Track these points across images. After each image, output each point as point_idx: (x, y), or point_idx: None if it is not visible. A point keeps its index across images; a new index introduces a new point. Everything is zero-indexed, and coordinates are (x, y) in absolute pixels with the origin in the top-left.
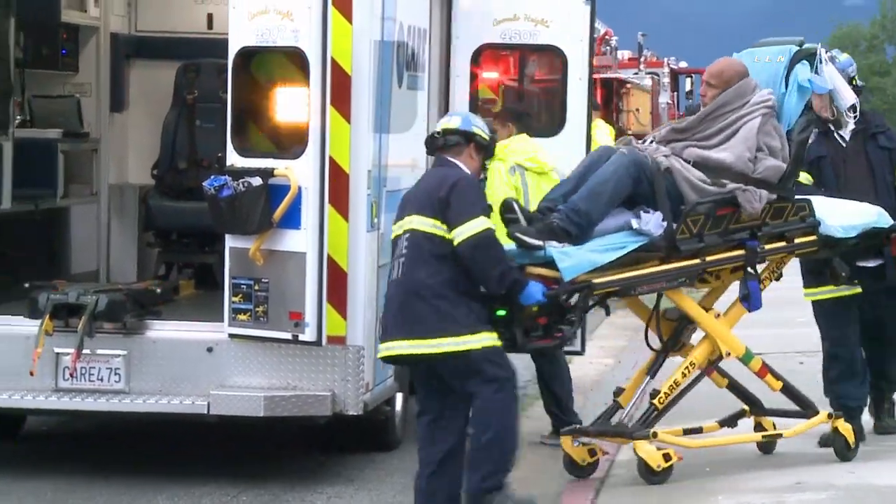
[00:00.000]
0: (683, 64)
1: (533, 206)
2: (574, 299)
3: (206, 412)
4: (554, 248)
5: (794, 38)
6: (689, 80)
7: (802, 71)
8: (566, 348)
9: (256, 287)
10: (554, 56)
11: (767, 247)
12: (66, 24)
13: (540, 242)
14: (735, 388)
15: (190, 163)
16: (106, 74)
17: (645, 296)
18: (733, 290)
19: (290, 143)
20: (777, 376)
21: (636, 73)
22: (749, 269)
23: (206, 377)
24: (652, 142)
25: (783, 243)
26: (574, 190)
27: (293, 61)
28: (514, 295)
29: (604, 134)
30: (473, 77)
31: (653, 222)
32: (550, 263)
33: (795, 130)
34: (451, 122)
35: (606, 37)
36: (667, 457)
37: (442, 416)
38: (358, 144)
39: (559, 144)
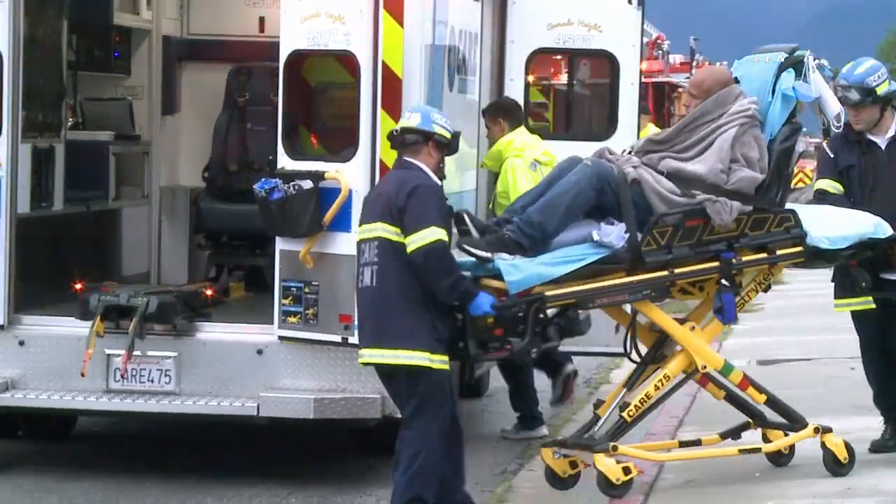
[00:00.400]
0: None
1: None
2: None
3: (255, 414)
4: (502, 262)
5: (786, 46)
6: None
7: (787, 79)
8: (610, 349)
9: (306, 290)
10: (605, 61)
11: (746, 258)
12: (118, 26)
13: (489, 255)
14: (734, 399)
15: (241, 165)
16: (158, 77)
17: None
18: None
19: (340, 146)
20: (760, 389)
21: (688, 78)
22: (724, 282)
23: (255, 379)
24: (630, 152)
25: (764, 255)
26: (535, 200)
27: (344, 64)
28: (463, 304)
29: None
30: (526, 81)
31: (614, 234)
32: (500, 276)
33: (778, 139)
34: (411, 119)
35: (659, 41)
36: (626, 470)
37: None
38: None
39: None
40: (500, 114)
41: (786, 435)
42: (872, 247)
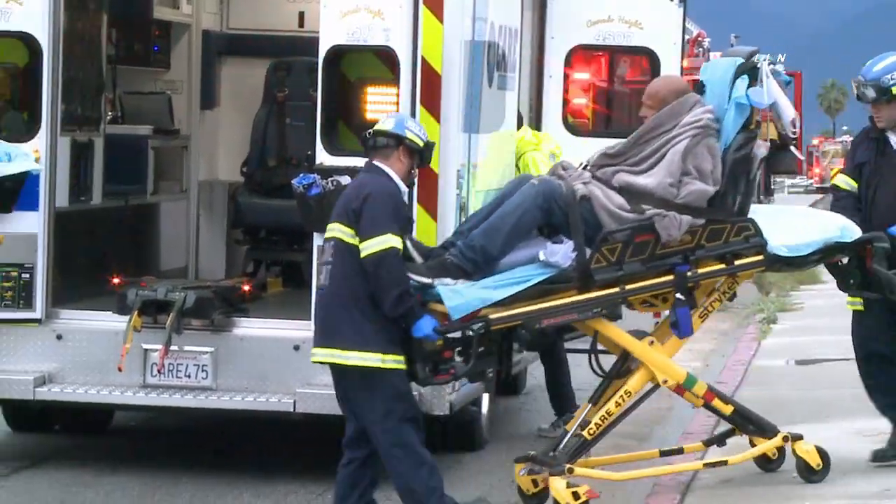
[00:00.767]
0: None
1: None
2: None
3: (292, 410)
4: (442, 287)
5: (745, 49)
6: None
7: (740, 86)
8: None
9: None
10: (646, 58)
11: (703, 270)
12: (158, 20)
13: (429, 280)
14: (711, 408)
15: (279, 161)
16: (197, 72)
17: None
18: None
19: None
20: (726, 400)
21: None
22: (678, 296)
23: (292, 375)
24: (586, 167)
25: (722, 265)
26: (482, 222)
27: (384, 60)
28: (407, 323)
29: None
30: (565, 77)
31: (561, 253)
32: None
33: (732, 148)
34: (385, 123)
35: (699, 38)
36: (575, 495)
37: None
38: (447, 144)
39: None
40: None
41: (752, 445)
42: (843, 249)
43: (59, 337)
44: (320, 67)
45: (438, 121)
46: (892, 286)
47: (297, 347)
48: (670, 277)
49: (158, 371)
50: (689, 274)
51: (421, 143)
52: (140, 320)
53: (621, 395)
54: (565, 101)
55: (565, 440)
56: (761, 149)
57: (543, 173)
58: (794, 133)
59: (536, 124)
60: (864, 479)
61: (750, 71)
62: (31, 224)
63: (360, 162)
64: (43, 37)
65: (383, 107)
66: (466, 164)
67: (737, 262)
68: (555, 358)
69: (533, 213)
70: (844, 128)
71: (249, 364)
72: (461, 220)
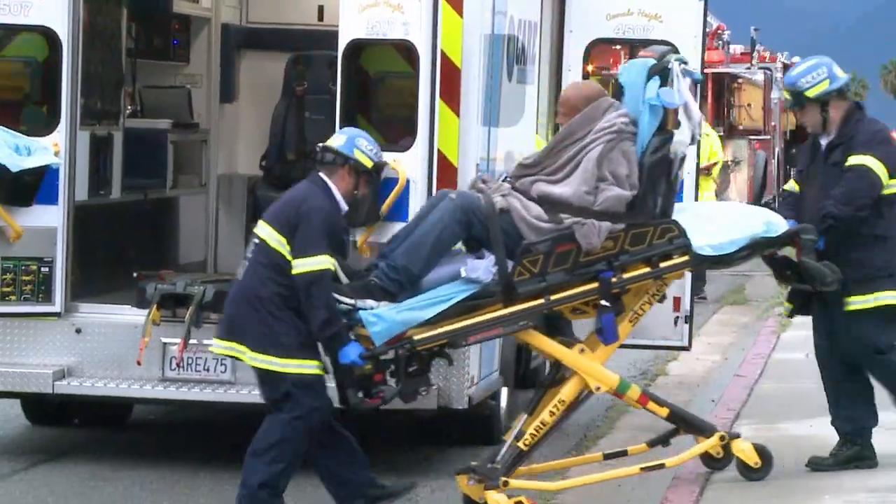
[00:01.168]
0: (797, 59)
1: None
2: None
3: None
4: (364, 312)
5: (660, 49)
6: None
7: (651, 87)
8: (671, 342)
9: None
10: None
11: (628, 275)
12: (177, 14)
13: (352, 302)
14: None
15: (298, 154)
16: (216, 65)
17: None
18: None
19: (398, 135)
20: (661, 402)
21: (748, 68)
22: (603, 302)
23: None
24: (506, 178)
25: (648, 269)
26: (405, 241)
27: (403, 54)
28: (333, 348)
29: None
30: (584, 71)
31: (482, 269)
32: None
33: (648, 151)
34: (336, 139)
35: (719, 31)
36: None
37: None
38: (466, 137)
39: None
40: None
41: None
42: (770, 244)
43: (78, 331)
44: (339, 61)
45: (458, 114)
46: (822, 278)
47: None
48: (596, 285)
49: (177, 365)
50: (613, 280)
51: (370, 165)
52: (159, 314)
53: (555, 405)
54: None
55: (502, 452)
56: (681, 148)
57: None
58: (699, 134)
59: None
60: (883, 473)
61: (662, 71)
62: (51, 218)
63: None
64: (62, 31)
65: (402, 101)
66: (486, 157)
67: (662, 265)
68: None
69: (453, 229)
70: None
71: None
72: None
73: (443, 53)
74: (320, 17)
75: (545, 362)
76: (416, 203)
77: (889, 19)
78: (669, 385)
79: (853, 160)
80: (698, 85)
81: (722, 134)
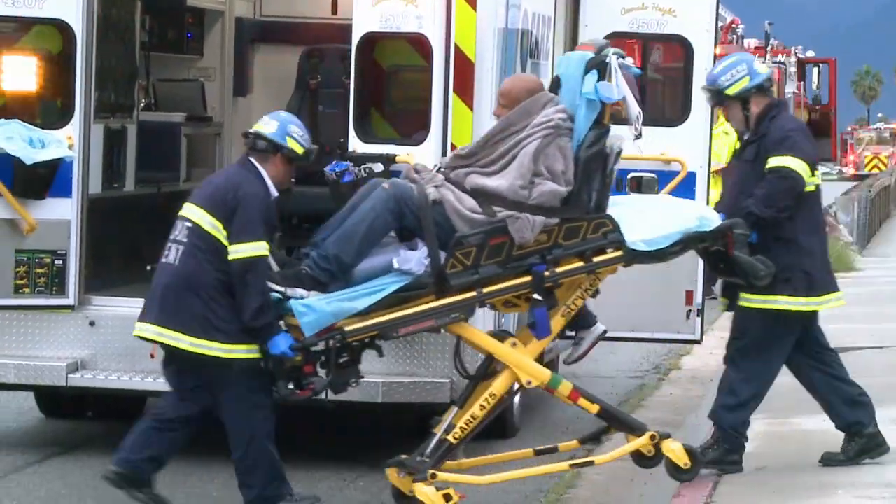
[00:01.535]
0: (811, 53)
1: None
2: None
3: (324, 397)
4: (295, 302)
5: (599, 42)
6: (816, 69)
7: (588, 81)
8: (683, 335)
9: None
10: (679, 46)
11: (561, 269)
12: (191, 7)
13: (282, 290)
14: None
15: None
16: (230, 59)
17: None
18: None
19: (411, 129)
20: (592, 399)
21: (762, 62)
22: (536, 296)
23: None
24: (439, 169)
25: (581, 263)
26: (336, 230)
27: (417, 47)
28: (263, 337)
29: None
30: None
31: (414, 260)
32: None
33: (584, 145)
34: (268, 126)
35: (733, 25)
36: (447, 497)
37: (185, 396)
38: (480, 131)
39: (683, 134)
40: None
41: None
42: (703, 239)
43: (91, 323)
44: (353, 55)
45: (471, 108)
46: (755, 272)
47: None
48: (529, 278)
49: None
50: (546, 274)
51: (301, 152)
52: None
53: (486, 398)
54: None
55: (431, 445)
56: (617, 142)
57: None
58: (637, 130)
59: None
60: None
61: (599, 65)
62: (65, 211)
63: (393, 149)
64: (77, 24)
65: (416, 94)
66: None
67: (595, 259)
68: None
69: (385, 218)
70: (879, 115)
71: None
72: None
73: (456, 47)
74: (334, 11)
75: (558, 356)
76: None
77: None
78: (682, 379)
79: (774, 162)
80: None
81: None
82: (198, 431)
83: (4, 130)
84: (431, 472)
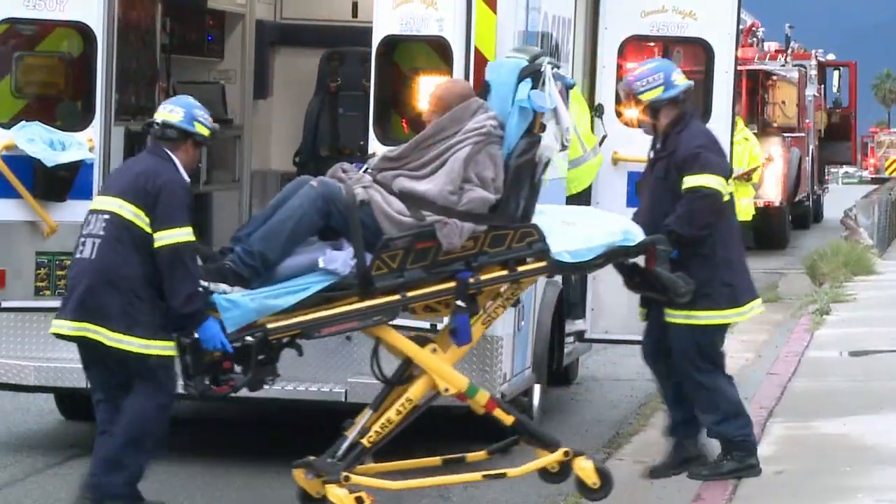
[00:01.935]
0: (831, 56)
1: None
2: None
3: (343, 400)
4: (219, 297)
5: (533, 50)
6: (836, 72)
7: (522, 89)
8: None
9: None
10: (700, 48)
11: (485, 277)
12: (212, 10)
13: (205, 285)
14: (494, 418)
15: (332, 150)
16: (250, 61)
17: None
18: None
19: None
20: (508, 411)
21: (783, 65)
22: (459, 303)
23: (344, 365)
24: (366, 170)
25: (505, 272)
26: (261, 227)
27: (437, 50)
28: (193, 324)
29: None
30: (619, 68)
31: (340, 260)
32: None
33: (515, 153)
34: (173, 115)
35: (753, 28)
36: (359, 500)
37: (112, 398)
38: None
39: None
40: None
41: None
42: (627, 253)
43: None
44: (373, 57)
45: None
46: (676, 289)
47: (348, 337)
48: (453, 284)
49: None
50: (471, 281)
51: (208, 134)
52: None
53: (403, 403)
54: (618, 93)
55: (343, 447)
56: (547, 152)
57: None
58: (566, 140)
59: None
60: None
61: (533, 74)
62: (85, 213)
63: None
64: (97, 26)
65: None
66: None
67: (520, 269)
68: None
69: (312, 217)
70: None
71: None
72: None
73: (476, 50)
74: (354, 14)
75: (578, 359)
76: None
77: None
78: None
79: (691, 181)
80: (569, 90)
81: (756, 131)
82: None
83: (25, 133)
84: (345, 474)
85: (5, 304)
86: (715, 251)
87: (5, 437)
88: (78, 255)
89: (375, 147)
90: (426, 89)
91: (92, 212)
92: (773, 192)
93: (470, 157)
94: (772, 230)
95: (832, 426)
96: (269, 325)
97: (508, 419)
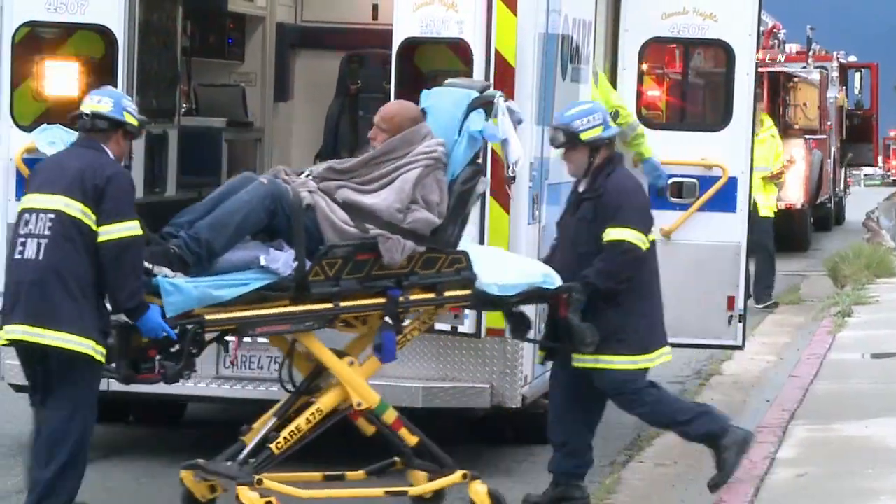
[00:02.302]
0: (853, 58)
1: None
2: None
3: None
4: (163, 279)
5: (478, 83)
6: (857, 74)
7: (476, 120)
8: (725, 341)
9: None
10: (721, 51)
11: (413, 297)
12: (232, 13)
13: (149, 267)
14: (384, 436)
15: (352, 153)
16: (271, 64)
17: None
18: None
19: None
20: (413, 431)
21: (804, 67)
22: (387, 319)
23: None
24: (308, 175)
25: (432, 295)
26: (203, 216)
27: (457, 53)
28: (134, 317)
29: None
30: (639, 70)
31: (282, 260)
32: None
33: (459, 180)
34: (102, 105)
35: (774, 30)
36: None
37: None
38: (521, 136)
39: (724, 139)
40: None
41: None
42: (543, 296)
43: None
44: (393, 60)
45: None
46: (582, 338)
47: None
48: (381, 300)
49: (231, 363)
50: (401, 299)
51: (137, 123)
52: None
53: (313, 413)
54: (639, 94)
55: (245, 452)
56: (481, 185)
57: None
58: (513, 173)
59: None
60: None
61: (486, 105)
62: None
63: None
64: (118, 29)
65: None
66: (539, 156)
67: (446, 294)
68: None
69: (259, 214)
70: None
71: None
72: (534, 213)
73: (497, 52)
74: (374, 16)
75: None
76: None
77: None
78: (724, 385)
79: (614, 234)
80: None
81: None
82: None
83: (47, 136)
84: (257, 477)
85: None
86: (633, 302)
87: (29, 439)
88: (18, 257)
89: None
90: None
91: (29, 211)
92: (794, 194)
93: (419, 179)
94: (794, 232)
95: (854, 428)
96: (207, 317)
97: (412, 440)
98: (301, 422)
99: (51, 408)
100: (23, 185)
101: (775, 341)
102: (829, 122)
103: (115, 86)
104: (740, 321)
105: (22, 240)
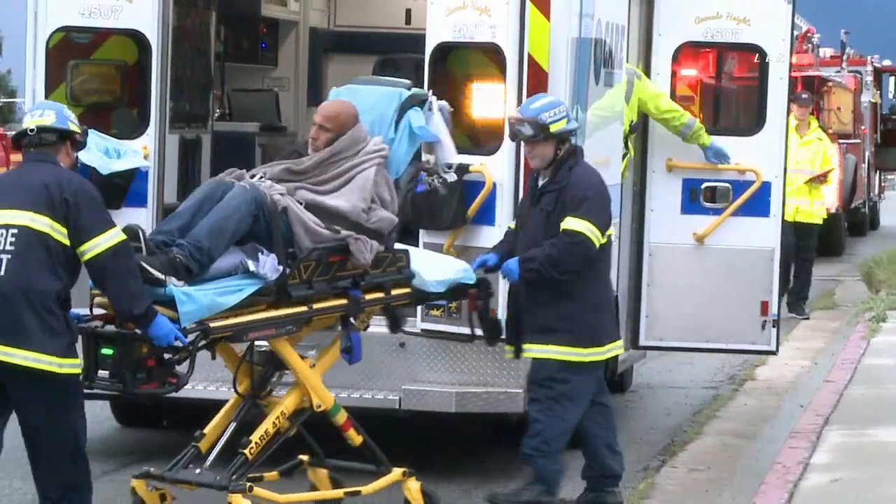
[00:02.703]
0: (887, 62)
1: None
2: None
3: (397, 407)
4: (176, 288)
5: (402, 81)
6: (892, 78)
7: (416, 118)
8: (758, 346)
9: None
10: (754, 55)
11: (368, 297)
12: (266, 18)
13: (163, 277)
14: (303, 434)
15: None
16: (304, 69)
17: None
18: None
19: (485, 139)
20: (359, 431)
21: (838, 72)
22: (352, 320)
23: (397, 372)
24: (262, 177)
25: (381, 294)
26: (188, 223)
27: (490, 57)
28: (143, 324)
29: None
30: (673, 75)
31: (269, 265)
32: (169, 303)
33: (404, 179)
34: (45, 119)
35: (808, 34)
36: None
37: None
38: None
39: (758, 144)
40: None
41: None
42: (464, 291)
43: None
44: (427, 64)
45: None
46: (492, 332)
47: (402, 344)
48: (343, 301)
49: None
50: (361, 300)
51: (80, 132)
52: None
53: (278, 417)
54: (672, 98)
55: (210, 460)
56: (422, 185)
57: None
58: (446, 172)
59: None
60: None
61: (420, 103)
62: (140, 220)
63: (466, 159)
64: (152, 34)
65: (490, 104)
66: None
67: (393, 293)
68: None
69: (246, 219)
70: None
71: None
72: None
73: (530, 57)
74: (407, 21)
75: (632, 367)
76: (502, 206)
77: None
78: (758, 390)
79: (571, 224)
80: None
81: None
82: None
83: None
84: (249, 484)
85: None
86: (585, 292)
87: None
88: None
89: (428, 154)
90: (475, 95)
91: None
92: (829, 199)
93: (375, 178)
94: (828, 237)
95: (889, 434)
96: (212, 325)
97: (357, 439)
98: (269, 426)
99: (43, 427)
100: None
101: (809, 346)
102: (863, 127)
103: (149, 91)
104: (774, 326)
105: None
